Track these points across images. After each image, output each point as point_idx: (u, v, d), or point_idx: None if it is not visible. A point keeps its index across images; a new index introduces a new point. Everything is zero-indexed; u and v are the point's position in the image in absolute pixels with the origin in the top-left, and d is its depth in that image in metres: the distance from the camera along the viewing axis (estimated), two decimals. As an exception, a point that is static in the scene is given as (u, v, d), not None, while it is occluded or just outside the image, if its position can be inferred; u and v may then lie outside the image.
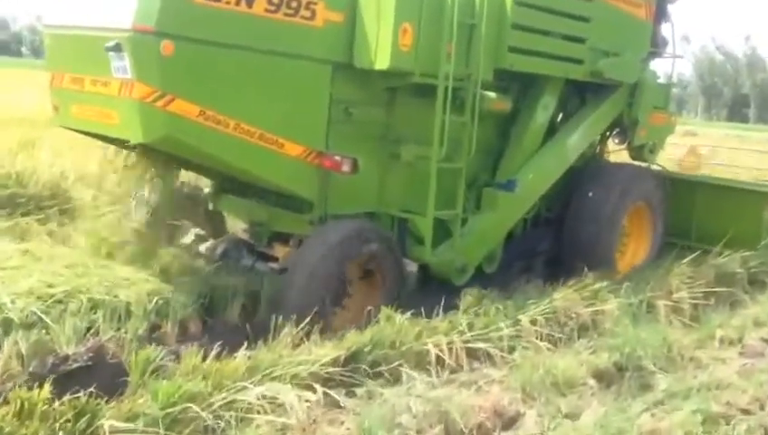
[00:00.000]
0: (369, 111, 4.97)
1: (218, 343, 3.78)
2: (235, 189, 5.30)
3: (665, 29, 6.94)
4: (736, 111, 72.36)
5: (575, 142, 6.24)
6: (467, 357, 4.30)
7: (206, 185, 5.63)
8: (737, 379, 4.34)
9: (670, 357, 4.63)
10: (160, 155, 4.58)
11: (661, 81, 7.01)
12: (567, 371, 4.14)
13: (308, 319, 4.13)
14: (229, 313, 4.55)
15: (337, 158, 4.67)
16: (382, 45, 4.55)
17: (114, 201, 5.30)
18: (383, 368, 4.00)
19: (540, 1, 5.38)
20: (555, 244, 6.44)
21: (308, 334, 4.08)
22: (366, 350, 4.03)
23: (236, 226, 5.65)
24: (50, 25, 4.43)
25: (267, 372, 3.63)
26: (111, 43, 3.82)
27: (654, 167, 7.38)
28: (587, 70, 5.92)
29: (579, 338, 4.81)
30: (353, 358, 3.96)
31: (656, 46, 6.91)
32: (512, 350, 4.48)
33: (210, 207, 5.55)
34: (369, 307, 4.72)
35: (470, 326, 4.51)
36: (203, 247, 5.45)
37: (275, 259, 5.19)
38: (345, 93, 4.75)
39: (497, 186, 5.73)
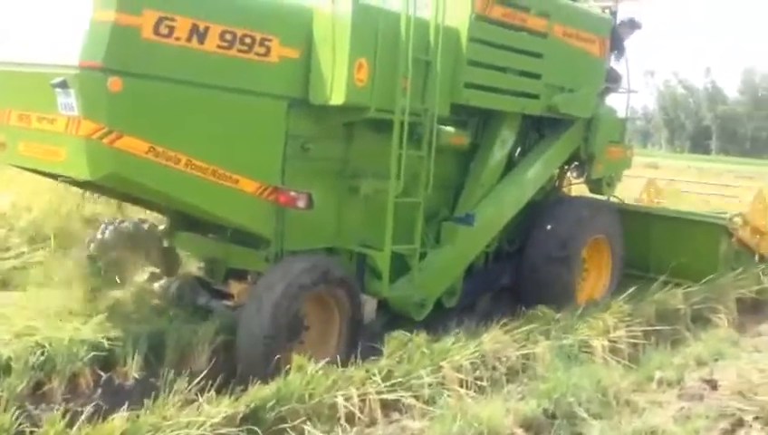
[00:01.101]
0: (326, 146, 4.96)
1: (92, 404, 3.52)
2: (191, 226, 5.23)
3: (619, 64, 7.10)
4: (699, 143, 74.11)
5: (533, 176, 6.30)
6: (385, 409, 4.03)
7: (160, 221, 5.54)
8: (672, 425, 4.16)
9: (605, 402, 4.40)
10: (111, 192, 4.49)
11: (618, 115, 7.12)
12: (492, 420, 3.85)
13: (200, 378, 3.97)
14: (131, 364, 4.17)
15: (292, 193, 4.63)
16: (337, 81, 4.55)
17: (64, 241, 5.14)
18: (288, 425, 3.69)
19: (494, 38, 5.46)
20: (515, 277, 6.45)
21: (203, 390, 3.79)
22: (269, 405, 3.72)
23: (192, 263, 5.56)
24: (-5, 62, 4.35)
25: None
26: (58, 80, 3.75)
27: (612, 199, 7.49)
28: (543, 105, 6.01)
29: (507, 383, 4.57)
30: (253, 415, 3.65)
31: (611, 81, 7.05)
32: (434, 399, 4.17)
33: (165, 244, 5.45)
34: (328, 342, 4.68)
35: (389, 374, 4.24)
36: (157, 286, 5.33)
37: (231, 296, 5.10)
38: (301, 129, 4.73)
39: (456, 220, 5.74)
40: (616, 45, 6.91)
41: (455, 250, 5.66)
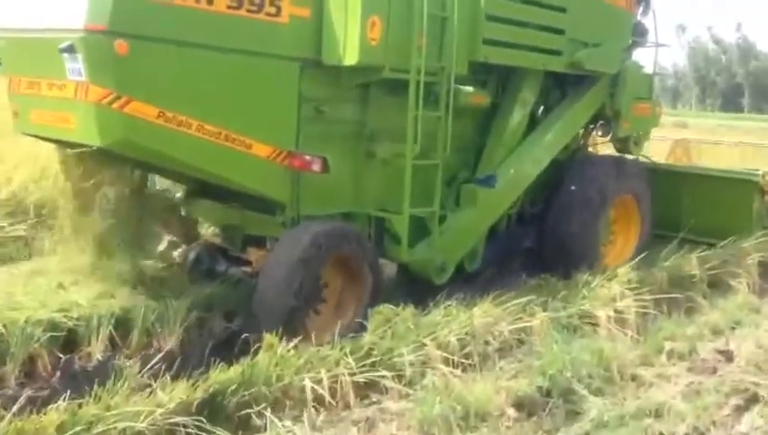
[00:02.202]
0: (341, 109, 4.84)
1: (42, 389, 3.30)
2: (207, 193, 5.16)
3: (647, 18, 6.82)
4: (731, 100, 72.26)
5: (557, 135, 6.12)
6: (364, 389, 3.74)
7: (178, 189, 5.49)
8: (680, 401, 3.85)
9: (607, 377, 4.07)
10: (124, 159, 4.44)
11: (645, 70, 6.86)
12: (480, 400, 3.56)
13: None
14: (95, 346, 3.90)
15: (307, 157, 4.53)
16: (350, 40, 4.42)
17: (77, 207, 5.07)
18: (252, 410, 3.39)
19: None
20: (539, 240, 6.31)
21: (157, 375, 3.50)
22: (231, 390, 3.40)
23: (210, 230, 5.52)
24: (3, 28, 4.28)
25: (84, 428, 2.95)
26: (65, 45, 3.68)
27: (640, 158, 7.28)
28: (566, 61, 5.80)
29: (500, 360, 4.21)
30: (212, 402, 3.34)
31: (638, 36, 6.79)
32: (418, 378, 3.86)
33: (182, 212, 5.41)
34: (346, 310, 4.62)
35: (369, 353, 3.94)
36: (176, 254, 5.31)
37: (250, 263, 5.05)
38: (315, 91, 4.61)
39: (477, 182, 5.60)
40: (643, -2, 6.64)
41: (475, 213, 5.53)
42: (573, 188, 6.23)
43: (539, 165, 5.94)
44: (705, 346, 4.72)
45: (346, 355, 3.86)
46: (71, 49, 3.67)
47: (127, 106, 3.75)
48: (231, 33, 4.11)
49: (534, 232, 6.35)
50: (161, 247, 5.34)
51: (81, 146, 4.12)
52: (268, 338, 3.88)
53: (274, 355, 3.73)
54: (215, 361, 3.79)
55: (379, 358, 3.93)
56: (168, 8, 3.84)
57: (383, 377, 3.80)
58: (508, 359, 4.27)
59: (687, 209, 6.94)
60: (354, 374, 3.75)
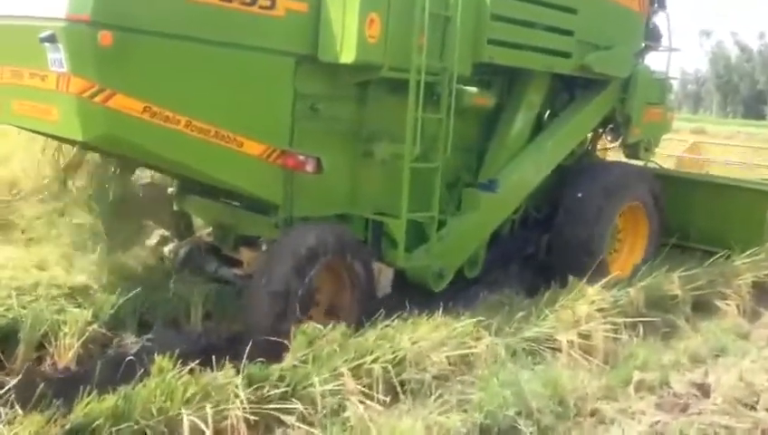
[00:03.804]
0: (338, 107, 4.68)
1: None
2: (200, 190, 5.04)
3: (660, 21, 6.61)
4: (752, 108, 71.23)
5: (563, 140, 5.94)
6: (267, 426, 3.25)
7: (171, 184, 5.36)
8: None
9: (561, 413, 3.56)
10: (113, 155, 4.32)
11: (657, 74, 6.65)
12: None
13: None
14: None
15: (300, 157, 4.39)
16: (347, 37, 4.26)
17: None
18: None
19: None
20: (543, 246, 6.12)
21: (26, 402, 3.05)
22: (96, 425, 2.90)
23: (203, 228, 5.39)
24: (-11, 16, 4.17)
25: None
26: (46, 34, 3.54)
27: (650, 165, 7.08)
28: (575, 64, 5.62)
29: (436, 390, 3.67)
30: None
31: (651, 39, 6.59)
32: (335, 412, 3.36)
33: (175, 207, 5.29)
34: (337, 317, 4.47)
35: (281, 379, 3.42)
36: (166, 250, 5.19)
37: (241, 264, 4.92)
38: (310, 88, 4.45)
39: (478, 186, 5.43)
40: (657, 0, 6.43)
41: (476, 218, 5.36)
42: (580, 194, 6.05)
43: (543, 170, 5.76)
44: (680, 377, 4.24)
45: (236, 387, 3.28)
46: (52, 39, 3.54)
47: (110, 100, 3.61)
48: (222, 26, 3.95)
49: (538, 238, 6.18)
50: (152, 242, 5.25)
51: (66, 139, 4.00)
52: (159, 361, 3.34)
53: (162, 382, 3.19)
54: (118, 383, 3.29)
55: (290, 388, 3.41)
56: None
57: (287, 411, 3.25)
58: (447, 389, 3.71)
59: (697, 218, 6.74)
60: (247, 408, 3.21)
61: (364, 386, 3.54)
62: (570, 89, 6.13)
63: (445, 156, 4.83)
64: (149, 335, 4.15)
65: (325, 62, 4.38)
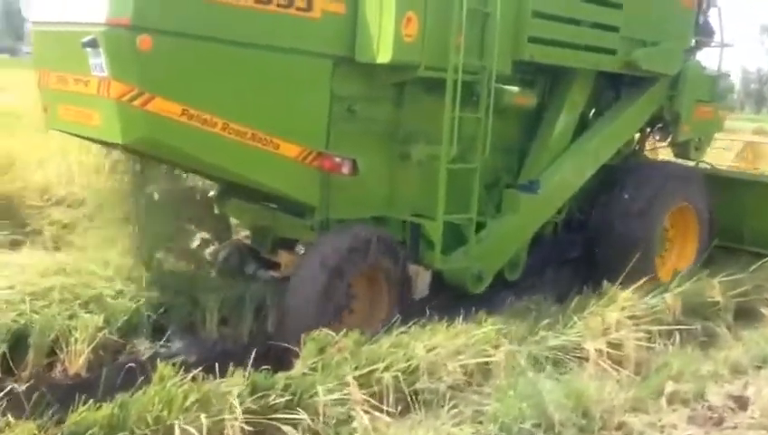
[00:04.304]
0: (375, 109, 4.65)
1: None
2: (240, 193, 5.07)
3: (712, 16, 6.39)
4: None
5: (608, 140, 5.78)
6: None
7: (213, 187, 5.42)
8: None
9: (584, 426, 3.35)
10: (154, 158, 4.38)
11: (708, 71, 6.43)
12: None
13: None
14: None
15: (337, 159, 4.37)
16: (384, 37, 4.22)
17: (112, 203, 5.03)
18: None
19: None
20: (588, 249, 5.97)
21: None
22: (89, 433, 2.81)
23: (243, 231, 5.43)
24: (35, 22, 4.28)
25: None
26: (87, 39, 3.61)
27: (701, 165, 6.84)
28: (621, 61, 5.47)
29: (451, 401, 3.49)
30: None
31: (702, 35, 6.37)
32: (339, 424, 3.22)
33: (216, 210, 5.34)
34: (374, 318, 4.44)
35: (286, 388, 3.29)
36: (207, 253, 5.24)
37: (279, 266, 4.93)
38: (348, 90, 4.44)
39: (519, 187, 5.33)
40: (708, -6, 6.22)
41: (516, 220, 5.26)
42: (626, 196, 5.88)
43: (587, 171, 5.62)
44: (717, 390, 4.00)
45: (234, 397, 3.14)
46: (93, 43, 3.60)
47: (149, 103, 3.66)
48: (259, 29, 3.97)
49: (583, 240, 6.03)
50: (194, 245, 5.31)
51: (108, 144, 4.07)
52: (161, 368, 3.23)
53: (162, 390, 3.08)
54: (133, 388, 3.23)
55: (296, 397, 3.28)
56: (194, 2, 3.74)
57: (288, 422, 3.10)
58: (463, 400, 3.55)
59: (751, 219, 6.49)
60: (239, 418, 3.07)
61: (373, 396, 3.41)
62: (616, 87, 5.96)
63: (483, 157, 4.75)
64: (162, 342, 4.03)
65: (362, 64, 4.36)
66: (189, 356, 3.60)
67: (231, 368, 3.36)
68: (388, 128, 4.75)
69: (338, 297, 4.27)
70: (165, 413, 3.00)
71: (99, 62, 3.65)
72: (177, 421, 2.95)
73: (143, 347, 3.91)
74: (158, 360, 3.45)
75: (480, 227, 5.01)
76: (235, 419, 3.04)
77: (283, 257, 4.90)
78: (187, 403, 3.05)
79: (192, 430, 2.93)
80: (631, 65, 5.52)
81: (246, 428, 3.05)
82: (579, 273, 5.91)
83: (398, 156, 4.78)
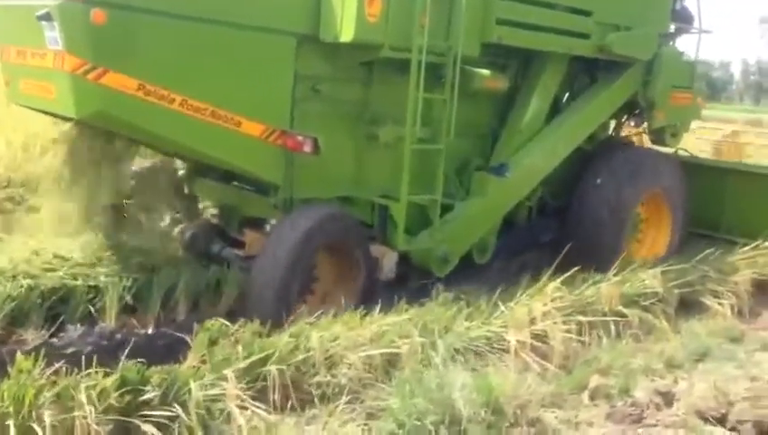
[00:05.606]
0: (341, 89, 4.63)
1: None
2: (206, 172, 5.06)
3: (689, 2, 6.35)
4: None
5: (579, 125, 5.76)
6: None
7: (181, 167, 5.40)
8: None
9: (494, 422, 3.08)
10: (120, 135, 4.36)
11: (686, 57, 6.39)
12: None
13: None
14: None
15: (299, 138, 4.35)
16: (347, 16, 4.20)
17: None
18: None
19: None
20: (560, 234, 5.96)
21: None
22: None
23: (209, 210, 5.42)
24: (-4, -4, 4.26)
25: None
26: (42, 12, 3.60)
27: (680, 152, 6.83)
28: (594, 45, 5.44)
29: (347, 396, 3.27)
30: None
31: (681, 21, 6.33)
32: (213, 421, 2.97)
33: (185, 190, 5.33)
34: (337, 298, 4.44)
35: (159, 384, 3.00)
36: (176, 232, 5.23)
37: (244, 245, 4.93)
38: (312, 69, 4.42)
39: (488, 170, 5.31)
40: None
41: (484, 203, 5.25)
42: (599, 181, 5.87)
43: (558, 155, 5.60)
44: (647, 384, 3.71)
45: (118, 388, 2.88)
46: (47, 17, 3.59)
47: (103, 77, 3.64)
48: (219, 4, 3.96)
49: (555, 226, 6.03)
50: (163, 224, 5.30)
51: (65, 117, 4.06)
52: (20, 361, 2.95)
53: (15, 385, 2.80)
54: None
55: (171, 392, 3.00)
56: None
57: (150, 419, 2.80)
58: (363, 395, 3.30)
59: (729, 207, 6.49)
60: (89, 417, 2.74)
61: (262, 391, 3.17)
62: (591, 72, 5.94)
63: (449, 138, 4.73)
64: (51, 331, 3.77)
65: (327, 43, 4.34)
66: (82, 347, 3.38)
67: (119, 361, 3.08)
68: (355, 108, 4.73)
69: (299, 277, 4.26)
70: (9, 410, 2.72)
71: (54, 36, 3.63)
72: (11, 421, 2.68)
73: (31, 337, 3.67)
74: (43, 351, 3.12)
75: (446, 209, 5.00)
76: (84, 417, 2.74)
77: (249, 236, 4.89)
78: (41, 400, 2.78)
79: (36, 427, 2.68)
80: (604, 50, 5.49)
81: (96, 427, 2.74)
82: (551, 257, 5.90)
83: (366, 136, 4.77)
